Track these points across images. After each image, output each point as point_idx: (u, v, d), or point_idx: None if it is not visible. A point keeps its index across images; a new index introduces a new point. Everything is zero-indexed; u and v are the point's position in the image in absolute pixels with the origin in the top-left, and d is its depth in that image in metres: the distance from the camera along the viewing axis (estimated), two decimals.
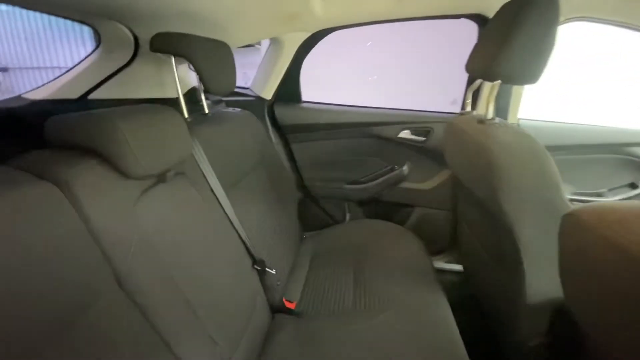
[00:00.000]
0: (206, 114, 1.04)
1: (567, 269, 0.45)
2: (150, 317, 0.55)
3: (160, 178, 0.67)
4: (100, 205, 0.52)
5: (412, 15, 1.21)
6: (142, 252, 0.57)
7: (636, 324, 0.33)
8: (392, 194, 1.46)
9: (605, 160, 1.32)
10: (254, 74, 1.48)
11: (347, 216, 1.53)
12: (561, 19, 0.70)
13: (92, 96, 0.90)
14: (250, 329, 0.79)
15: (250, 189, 1.07)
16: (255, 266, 0.90)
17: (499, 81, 0.76)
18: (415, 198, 1.44)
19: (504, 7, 0.75)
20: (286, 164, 1.45)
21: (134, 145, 0.57)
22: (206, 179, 0.84)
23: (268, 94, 1.41)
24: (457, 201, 1.27)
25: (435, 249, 1.41)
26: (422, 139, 1.36)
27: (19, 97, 0.81)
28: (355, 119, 1.42)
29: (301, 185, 1.52)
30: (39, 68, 5.28)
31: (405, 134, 1.37)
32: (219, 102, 1.29)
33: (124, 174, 0.57)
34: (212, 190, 0.85)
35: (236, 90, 1.32)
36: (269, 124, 1.42)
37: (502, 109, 1.21)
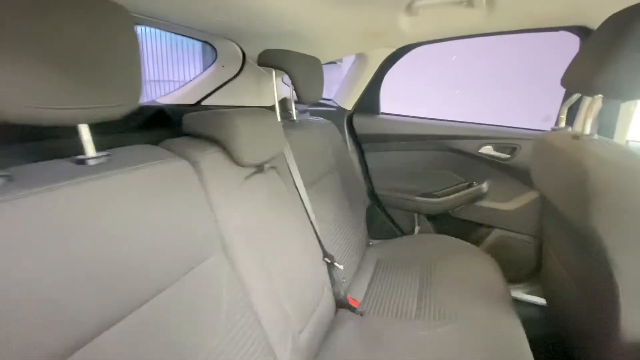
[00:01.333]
0: (294, 121, 1.18)
1: None
2: (243, 281, 0.66)
3: (259, 168, 0.80)
4: (217, 184, 0.66)
5: (506, 29, 1.17)
6: (242, 226, 0.69)
7: None
8: (467, 212, 1.41)
9: None
10: (337, 87, 1.60)
11: (416, 229, 1.52)
12: None
13: (204, 102, 1.10)
14: (317, 314, 0.86)
15: (325, 190, 1.16)
16: (326, 259, 0.97)
17: (600, 96, 0.71)
18: (495, 218, 1.36)
19: (611, 18, 0.71)
20: (359, 171, 1.52)
21: (247, 139, 0.70)
22: (291, 175, 0.96)
23: (349, 105, 1.51)
24: (544, 226, 1.17)
25: (514, 277, 1.31)
26: (507, 155, 1.29)
27: (153, 101, 1.04)
28: (431, 132, 1.41)
29: (372, 193, 1.56)
30: (157, 81, 6.40)
31: (487, 149, 1.32)
32: (304, 111, 1.44)
33: (235, 161, 0.71)
34: (295, 185, 0.96)
35: (320, 101, 1.46)
36: (346, 132, 1.51)
37: (607, 127, 1.09)
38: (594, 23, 1.00)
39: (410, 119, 1.48)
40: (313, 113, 1.45)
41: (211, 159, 0.67)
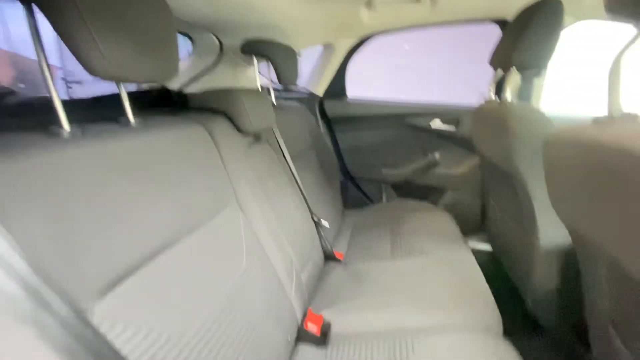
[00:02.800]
0: (274, 105, 1.32)
1: (553, 189, 0.63)
2: (254, 228, 0.79)
3: (257, 139, 0.94)
4: (227, 147, 0.79)
5: (445, 19, 1.42)
6: (248, 185, 0.83)
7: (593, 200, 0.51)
8: (424, 178, 1.65)
9: None
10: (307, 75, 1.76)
11: (384, 197, 1.74)
12: (572, 19, 0.89)
13: (185, 90, 1.20)
14: (312, 261, 1.02)
15: (305, 165, 1.32)
16: (313, 217, 1.13)
17: (514, 69, 0.95)
18: (447, 182, 1.62)
19: (522, 11, 0.96)
20: (332, 150, 1.70)
21: (248, 109, 0.84)
22: (281, 149, 1.11)
23: (320, 91, 1.68)
24: (485, 184, 1.44)
25: (465, 230, 1.57)
26: (453, 128, 1.54)
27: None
28: (392, 111, 1.64)
29: (344, 169, 1.75)
30: None
31: (437, 124, 1.56)
32: (280, 97, 1.58)
33: (239, 128, 0.85)
34: (285, 157, 1.11)
35: (294, 88, 1.61)
36: (319, 116, 1.68)
37: (526, 98, 1.38)
38: (511, 16, 1.27)
39: (373, 101, 1.69)
40: (288, 99, 1.60)
41: (220, 125, 0.81)
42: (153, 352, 0.43)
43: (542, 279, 0.97)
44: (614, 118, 0.46)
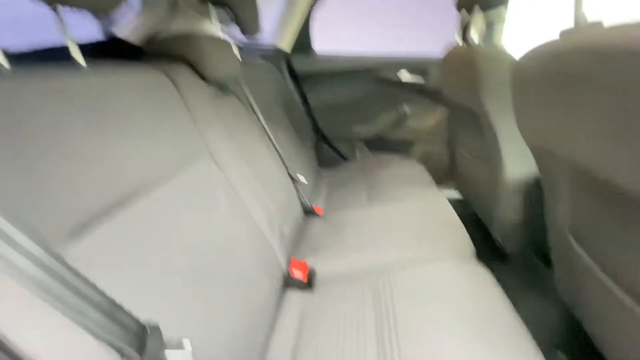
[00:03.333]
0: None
1: (520, 107, 0.65)
2: (232, 182, 0.77)
3: (222, 87, 0.89)
4: (191, 94, 0.74)
5: None
6: (221, 136, 0.78)
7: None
8: (395, 132, 1.67)
9: None
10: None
11: (357, 154, 1.75)
12: None
13: None
14: (292, 215, 1.02)
15: (276, 124, 1.28)
16: (290, 173, 1.12)
17: (480, 9, 0.95)
18: (416, 135, 1.66)
19: None
20: (302, 109, 1.66)
21: (211, 55, 0.78)
22: (250, 104, 1.05)
23: (285, 45, 1.60)
24: (453, 134, 1.49)
25: (436, 180, 1.64)
26: (421, 79, 1.55)
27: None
28: (360, 65, 1.61)
29: (316, 129, 1.73)
30: None
31: (405, 75, 1.56)
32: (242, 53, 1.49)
33: (202, 76, 0.79)
34: (255, 113, 1.06)
35: (257, 44, 1.52)
36: (286, 73, 1.61)
37: (490, 40, 1.41)
38: None
39: (342, 56, 1.65)
40: (252, 55, 1.51)
41: (182, 72, 0.74)
42: (136, 296, 0.41)
43: (508, 211, 1.04)
44: (580, 28, 0.47)
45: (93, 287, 0.33)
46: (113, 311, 0.33)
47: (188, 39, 0.78)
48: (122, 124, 0.53)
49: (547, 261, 0.92)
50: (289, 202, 1.05)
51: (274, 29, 1.63)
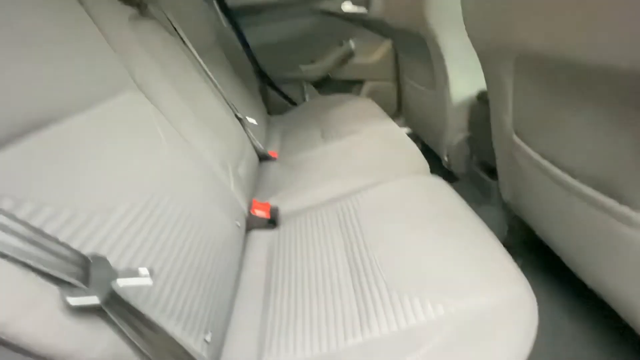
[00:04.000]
0: None
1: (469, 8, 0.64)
2: (169, 116, 0.67)
3: (141, 7, 0.75)
4: (104, 13, 0.61)
5: None
6: (146, 65, 0.67)
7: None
8: (343, 72, 1.62)
9: None
10: None
11: (307, 97, 1.68)
12: None
13: None
14: (246, 159, 0.96)
15: (213, 64, 1.14)
16: (237, 114, 1.03)
17: None
18: (364, 72, 1.62)
19: None
20: (241, 50, 1.51)
21: None
22: (180, 35, 0.91)
23: None
24: (400, 67, 1.48)
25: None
26: (364, 10, 1.48)
27: None
28: None
29: (260, 72, 1.60)
30: None
31: (348, 6, 1.48)
32: None
33: None
34: (186, 46, 0.93)
35: None
36: (216, 5, 1.42)
37: None
38: None
39: None
40: None
41: None
42: (70, 232, 0.35)
43: (455, 131, 1.09)
44: None
45: (9, 215, 0.27)
46: (41, 240, 0.27)
47: None
48: (17, 42, 0.42)
49: (492, 175, 1.00)
50: (240, 145, 0.98)
51: None
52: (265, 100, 1.60)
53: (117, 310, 0.31)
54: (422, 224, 0.63)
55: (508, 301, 0.45)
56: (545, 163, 0.58)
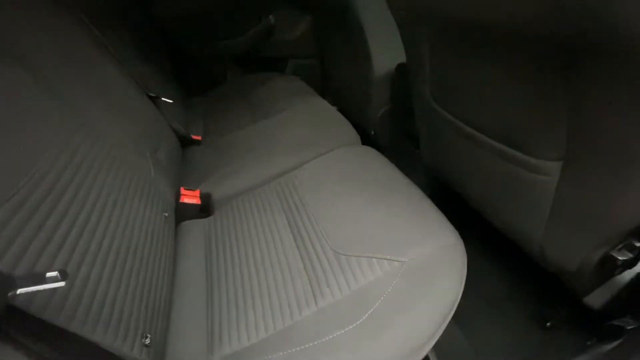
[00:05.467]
0: None
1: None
2: (58, 94, 0.55)
3: None
4: None
5: None
6: (33, 37, 0.53)
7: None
8: (265, 49, 1.55)
9: None
10: None
11: (228, 75, 1.57)
12: None
13: None
14: (166, 145, 0.85)
15: (115, 36, 0.97)
16: (149, 93, 0.91)
17: None
18: (287, 49, 1.58)
19: None
20: (150, 22, 1.32)
21: None
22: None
23: None
24: (321, 42, 1.47)
25: None
26: None
27: None
28: None
29: (175, 48, 1.43)
30: None
31: None
32: None
33: None
34: (76, 13, 0.76)
35: None
36: None
37: None
38: None
39: None
40: None
41: None
42: None
43: (378, 103, 1.15)
44: None
45: None
46: None
47: None
48: None
49: (414, 140, 1.08)
50: (157, 126, 0.86)
51: None
52: (185, 78, 1.44)
53: (20, 326, 0.24)
54: (360, 191, 0.65)
55: (442, 248, 0.50)
56: (460, 124, 0.65)
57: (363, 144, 0.93)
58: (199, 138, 1.06)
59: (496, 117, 0.55)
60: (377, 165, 0.73)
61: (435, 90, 0.71)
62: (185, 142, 1.02)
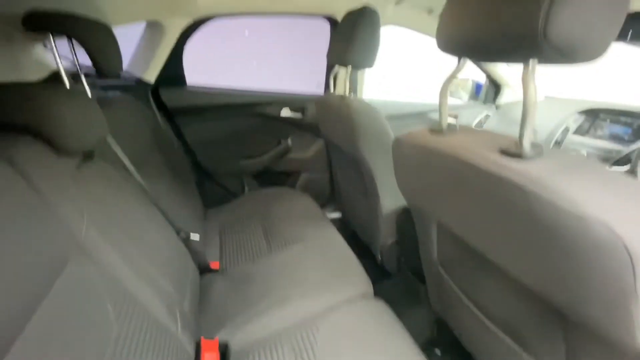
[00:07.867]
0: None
1: (400, 175, 0.80)
2: (112, 273, 0.62)
3: (87, 155, 0.70)
4: (47, 180, 0.56)
5: (280, 10, 1.45)
6: (90, 221, 0.62)
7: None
8: (280, 165, 1.72)
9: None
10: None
11: (246, 189, 1.71)
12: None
13: None
14: (190, 284, 0.91)
15: (151, 171, 1.11)
16: (181, 234, 0.99)
17: (350, 66, 1.10)
18: (300, 165, 1.75)
19: (347, 15, 1.10)
20: (179, 146, 1.49)
21: (69, 119, 0.61)
22: (121, 159, 0.87)
23: (150, 77, 1.40)
24: (332, 164, 1.65)
25: (320, 203, 1.77)
26: (300, 115, 1.65)
27: None
28: (240, 101, 1.58)
29: (198, 166, 1.58)
30: None
31: (285, 112, 1.63)
32: (94, 86, 1.21)
33: (57, 148, 0.61)
34: (126, 169, 0.89)
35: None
36: (154, 107, 1.41)
37: (354, 90, 1.62)
38: (338, 15, 1.44)
39: (219, 89, 1.57)
40: (106, 88, 1.25)
41: (28, 151, 0.55)
42: None
43: (386, 237, 1.23)
44: (443, 128, 0.62)
45: None
46: None
47: (37, 101, 0.58)
48: None
49: (421, 277, 1.14)
50: (184, 269, 0.93)
51: (132, 57, 1.41)
52: (204, 192, 1.56)
53: None
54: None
55: None
56: (464, 299, 0.71)
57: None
58: (216, 265, 1.12)
59: (500, 311, 0.62)
60: (389, 330, 0.78)
61: (441, 259, 0.79)
62: (204, 270, 1.08)
